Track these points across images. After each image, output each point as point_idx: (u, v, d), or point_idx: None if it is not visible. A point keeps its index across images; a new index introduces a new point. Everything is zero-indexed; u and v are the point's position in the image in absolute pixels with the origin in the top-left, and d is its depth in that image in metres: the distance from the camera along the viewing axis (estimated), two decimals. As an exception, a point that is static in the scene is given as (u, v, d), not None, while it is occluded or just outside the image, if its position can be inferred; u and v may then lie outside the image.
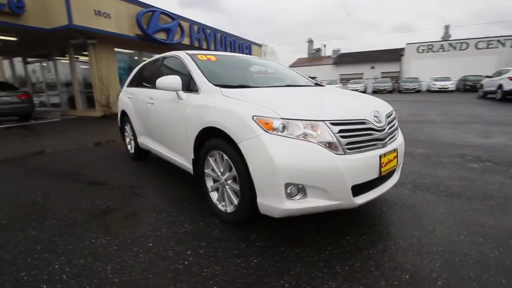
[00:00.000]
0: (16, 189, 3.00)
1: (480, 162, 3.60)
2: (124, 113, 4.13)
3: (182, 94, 2.48)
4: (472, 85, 20.47)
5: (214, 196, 2.26)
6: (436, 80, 22.32)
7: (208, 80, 2.33)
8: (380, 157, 1.86)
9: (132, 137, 4.00)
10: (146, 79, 3.63)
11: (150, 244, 1.88)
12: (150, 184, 3.04)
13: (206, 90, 2.28)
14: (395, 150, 2.03)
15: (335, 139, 1.70)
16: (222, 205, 2.18)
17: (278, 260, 1.68)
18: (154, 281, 1.53)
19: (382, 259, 1.67)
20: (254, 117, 1.74)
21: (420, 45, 28.21)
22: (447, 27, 38.88)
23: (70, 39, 8.74)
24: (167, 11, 10.62)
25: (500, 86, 12.88)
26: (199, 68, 2.51)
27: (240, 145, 1.77)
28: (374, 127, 1.91)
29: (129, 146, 4.25)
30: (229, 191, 2.06)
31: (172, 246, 1.86)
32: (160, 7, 10.33)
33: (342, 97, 2.31)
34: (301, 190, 1.68)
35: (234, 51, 15.21)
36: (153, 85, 3.17)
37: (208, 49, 13.18)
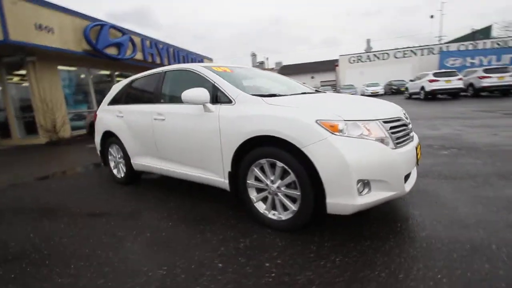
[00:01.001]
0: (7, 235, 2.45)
1: (447, 149, 4.29)
2: (108, 134, 3.74)
3: (211, 106, 2.41)
4: (397, 88, 23.90)
5: (260, 206, 2.23)
6: (368, 86, 25.44)
7: (242, 91, 2.33)
8: (416, 148, 2.13)
9: (121, 160, 3.63)
10: (142, 95, 3.37)
11: (220, 265, 1.76)
12: (164, 207, 2.81)
13: (244, 100, 2.27)
14: (418, 142, 2.33)
15: (388, 135, 1.89)
16: (272, 214, 2.16)
17: (357, 255, 1.76)
18: (254, 299, 1.45)
19: (440, 237, 1.88)
20: (318, 121, 1.82)
21: (351, 56, 31.95)
22: (368, 41, 45.04)
23: (4, 57, 7.47)
24: (117, 26, 9.95)
25: (422, 88, 15.44)
26: (225, 79, 2.48)
27: (304, 150, 1.83)
28: (406, 122, 2.18)
29: (115, 171, 3.84)
30: (283, 198, 2.07)
31: (245, 261, 1.78)
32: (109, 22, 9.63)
33: (369, 100, 2.54)
34: (366, 185, 1.81)
35: (188, 66, 14.97)
36: (157, 101, 3.00)
37: (162, 64, 12.69)
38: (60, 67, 8.93)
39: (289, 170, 1.96)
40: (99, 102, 10.43)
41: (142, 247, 2.07)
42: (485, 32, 31.39)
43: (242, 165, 2.24)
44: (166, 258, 1.90)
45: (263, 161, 2.10)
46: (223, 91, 2.40)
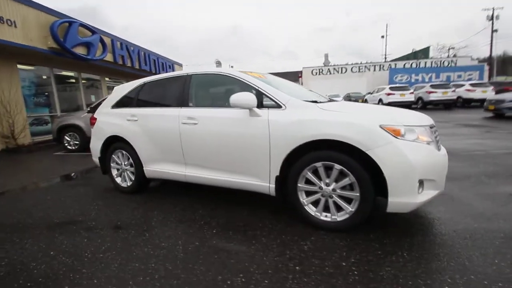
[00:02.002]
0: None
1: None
2: (112, 139, 3.45)
3: (259, 110, 2.41)
4: (355, 100, 25.95)
5: (311, 209, 2.28)
6: (330, 97, 27.07)
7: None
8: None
9: (128, 167, 3.37)
10: (162, 98, 3.19)
11: (298, 268, 1.77)
12: (196, 214, 2.69)
13: (296, 106, 2.32)
14: (440, 147, 2.63)
15: (433, 139, 2.11)
16: (325, 216, 2.23)
17: (420, 250, 1.91)
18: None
19: (475, 228, 2.14)
20: (382, 126, 1.97)
21: (313, 69, 33.89)
22: (326, 55, 48.21)
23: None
24: (87, 24, 9.17)
25: (380, 100, 17.08)
26: (270, 85, 2.51)
27: (370, 153, 1.95)
28: (435, 129, 2.45)
29: (118, 179, 3.54)
30: (339, 200, 2.16)
31: (319, 263, 1.81)
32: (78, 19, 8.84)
33: (400, 109, 2.72)
34: (421, 184, 1.99)
35: (159, 70, 14.36)
36: (184, 104, 2.89)
37: (132, 67, 12.00)
38: (20, 66, 7.89)
39: (348, 172, 2.06)
40: (63, 106, 9.45)
41: (198, 256, 1.97)
42: (424, 52, 35.95)
43: (293, 169, 2.28)
44: (234, 266, 1.83)
45: (318, 164, 2.17)
46: (270, 96, 2.43)
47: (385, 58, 38.71)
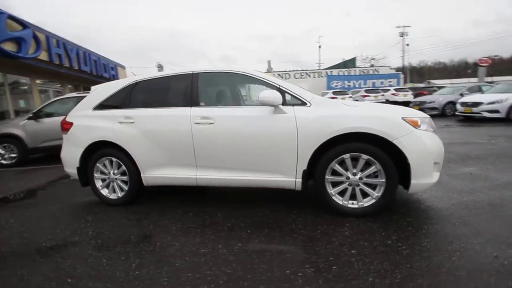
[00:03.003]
0: None
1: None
2: (98, 145, 3.03)
3: (284, 108, 2.45)
4: (300, 104, 27.77)
5: (338, 198, 2.43)
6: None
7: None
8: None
9: (119, 176, 3.01)
10: (164, 98, 2.95)
11: (353, 251, 1.88)
12: (215, 218, 2.59)
13: (321, 103, 2.45)
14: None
15: (434, 129, 2.49)
16: (352, 203, 2.41)
17: (440, 222, 2.23)
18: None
19: (467, 202, 2.58)
20: (404, 118, 2.23)
21: (259, 74, 35.07)
22: (269, 62, 50.28)
23: None
24: (17, 17, 7.70)
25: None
26: (291, 84, 2.58)
27: (396, 142, 2.19)
28: None
29: (104, 191, 3.12)
30: (365, 187, 2.36)
31: (369, 244, 1.96)
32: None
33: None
34: (433, 166, 2.32)
35: (101, 72, 12.93)
36: (193, 104, 2.75)
37: (71, 67, 10.53)
38: None
39: (375, 161, 2.28)
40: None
41: (251, 256, 1.91)
42: (352, 62, 40.72)
43: (321, 162, 2.40)
44: (294, 259, 1.85)
45: (346, 156, 2.34)
46: (293, 94, 2.51)
47: (319, 66, 42.49)
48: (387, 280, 1.57)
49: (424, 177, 2.24)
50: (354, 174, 2.36)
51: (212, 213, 2.72)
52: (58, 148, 6.13)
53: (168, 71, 3.04)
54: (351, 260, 1.78)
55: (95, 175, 3.14)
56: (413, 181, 2.24)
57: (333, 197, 2.43)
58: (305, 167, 2.44)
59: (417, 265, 1.68)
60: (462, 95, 11.59)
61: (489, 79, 30.95)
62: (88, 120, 3.13)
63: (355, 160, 2.35)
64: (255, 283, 1.62)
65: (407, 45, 36.53)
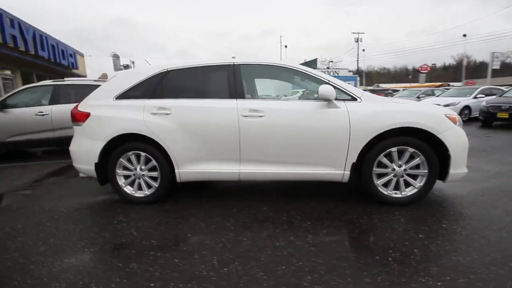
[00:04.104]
0: None
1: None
2: (123, 139, 2.76)
3: (337, 102, 2.53)
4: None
5: (383, 189, 2.60)
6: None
7: (357, 90, 2.63)
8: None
9: (147, 172, 2.80)
10: (203, 88, 2.79)
11: (420, 235, 2.05)
12: (268, 213, 2.57)
13: (371, 99, 2.58)
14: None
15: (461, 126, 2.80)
16: (395, 193, 2.60)
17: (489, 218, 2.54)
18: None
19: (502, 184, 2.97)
20: (446, 115, 2.48)
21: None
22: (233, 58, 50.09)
23: None
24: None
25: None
26: (338, 80, 2.65)
27: (440, 136, 2.42)
28: None
29: (128, 188, 2.87)
30: (409, 178, 2.57)
31: (428, 229, 2.15)
32: None
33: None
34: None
35: (59, 58, 11.47)
36: (237, 96, 2.69)
37: (26, 52, 9.14)
38: None
39: (419, 154, 2.50)
40: None
41: (330, 246, 1.97)
42: (314, 63, 42.69)
43: (370, 155, 2.54)
44: (375, 244, 1.95)
45: (393, 149, 2.51)
46: (345, 90, 2.59)
47: (284, 65, 43.72)
48: (468, 258, 1.76)
49: (459, 168, 2.52)
50: (400, 166, 2.56)
51: (257, 207, 2.68)
52: (29, 143, 5.42)
53: (202, 60, 2.88)
54: (424, 243, 1.95)
55: (118, 171, 2.85)
56: (451, 171, 2.51)
57: (379, 188, 2.60)
58: (354, 160, 2.56)
59: (483, 242, 1.92)
60: (418, 98, 13.05)
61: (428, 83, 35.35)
62: (110, 111, 2.82)
63: (400, 152, 2.55)
64: (357, 270, 1.68)
65: (363, 50, 39.48)
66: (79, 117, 2.89)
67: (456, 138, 2.48)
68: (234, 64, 2.78)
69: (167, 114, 2.71)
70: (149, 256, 1.92)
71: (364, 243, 2.01)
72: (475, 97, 10.03)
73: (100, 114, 2.83)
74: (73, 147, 2.97)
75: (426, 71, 37.73)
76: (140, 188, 2.89)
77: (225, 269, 1.73)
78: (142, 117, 2.73)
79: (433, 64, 49.65)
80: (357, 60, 43.92)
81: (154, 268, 1.77)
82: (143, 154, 2.79)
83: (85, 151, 2.86)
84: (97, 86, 5.59)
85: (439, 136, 2.45)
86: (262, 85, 3.97)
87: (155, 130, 2.71)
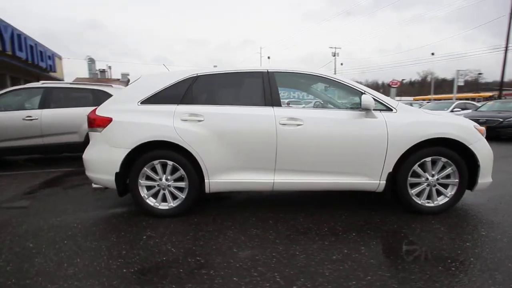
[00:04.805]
0: None
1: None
2: (151, 146, 2.57)
3: (376, 113, 2.55)
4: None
5: (417, 199, 2.64)
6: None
7: (390, 101, 2.68)
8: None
9: (172, 182, 2.62)
10: (237, 95, 2.70)
11: (467, 240, 2.08)
12: (307, 224, 2.50)
13: (405, 109, 2.63)
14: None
15: None
16: (427, 202, 2.65)
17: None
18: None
19: None
20: (475, 126, 2.59)
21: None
22: (215, 67, 50.00)
23: None
24: None
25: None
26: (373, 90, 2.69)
27: (471, 147, 2.52)
28: None
29: (151, 200, 2.66)
30: (441, 188, 2.63)
31: (466, 237, 2.19)
32: None
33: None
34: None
35: (37, 60, 10.67)
36: (273, 104, 2.64)
37: (3, 52, 8.39)
38: None
39: (451, 164, 2.57)
40: None
41: (390, 257, 1.95)
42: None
43: (405, 165, 2.57)
44: (429, 254, 1.95)
45: (428, 159, 2.57)
46: (381, 100, 2.62)
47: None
48: (524, 265, 1.81)
49: (486, 178, 2.64)
50: (433, 176, 2.62)
51: (292, 218, 2.60)
52: (13, 150, 4.89)
53: (232, 67, 2.79)
54: (475, 251, 1.98)
55: (141, 181, 2.63)
56: (480, 181, 2.61)
57: (413, 197, 2.64)
58: (390, 170, 2.58)
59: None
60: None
61: (397, 98, 37.70)
62: (136, 116, 2.62)
63: (433, 163, 2.61)
64: (428, 282, 1.64)
65: (342, 64, 41.27)
66: (98, 123, 2.65)
67: (484, 149, 2.60)
68: (268, 72, 2.73)
69: (199, 121, 2.57)
70: (202, 275, 1.75)
71: (419, 254, 2.00)
72: (451, 111, 10.81)
73: (124, 120, 2.61)
74: (89, 155, 2.71)
75: (396, 86, 40.17)
76: (163, 200, 2.69)
77: (294, 287, 1.62)
78: (172, 123, 2.57)
79: (402, 79, 53.21)
80: (335, 74, 45.70)
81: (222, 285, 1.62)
82: (170, 163, 2.61)
83: (105, 159, 2.62)
84: (93, 90, 5.32)
85: (470, 146, 2.55)
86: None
87: (186, 137, 2.55)
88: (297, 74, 2.82)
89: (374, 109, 2.60)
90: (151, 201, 2.67)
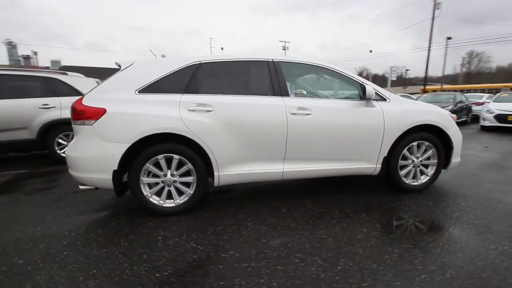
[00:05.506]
0: None
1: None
2: (153, 139, 2.35)
3: (375, 102, 2.75)
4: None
5: (405, 179, 2.96)
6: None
7: (383, 91, 2.92)
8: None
9: (178, 178, 2.46)
10: (242, 84, 2.61)
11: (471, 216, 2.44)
12: (319, 209, 2.62)
13: (397, 99, 2.89)
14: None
15: None
16: (413, 182, 3.00)
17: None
18: None
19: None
20: (449, 114, 2.99)
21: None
22: (163, 56, 46.89)
23: None
24: None
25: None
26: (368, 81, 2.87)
27: (447, 131, 2.92)
28: None
29: (154, 198, 2.46)
30: (424, 169, 3.01)
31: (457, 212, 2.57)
32: None
33: None
34: (453, 150, 3.23)
35: None
36: (281, 93, 2.66)
37: None
38: None
39: (432, 147, 2.95)
40: None
41: (426, 238, 2.15)
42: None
43: (397, 149, 2.86)
44: (449, 230, 2.22)
45: (414, 143, 2.90)
46: (377, 91, 2.82)
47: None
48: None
49: (457, 158, 3.10)
50: (418, 158, 2.97)
51: (302, 205, 2.68)
52: None
53: (235, 55, 2.69)
54: (464, 219, 2.34)
55: (142, 178, 2.40)
56: (453, 160, 3.06)
57: (403, 178, 2.95)
58: (385, 154, 2.84)
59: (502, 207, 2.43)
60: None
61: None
62: (133, 106, 2.35)
63: (418, 146, 2.96)
64: (444, 246, 1.89)
65: (293, 58, 42.64)
66: (88, 114, 2.30)
67: (457, 133, 3.04)
68: (273, 61, 2.71)
69: (208, 111, 2.44)
70: (245, 268, 1.71)
71: (425, 225, 2.27)
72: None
73: (121, 111, 2.32)
74: (75, 152, 2.35)
75: (339, 80, 43.58)
76: (169, 197, 2.50)
77: (339, 267, 1.70)
78: (178, 114, 2.38)
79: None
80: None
81: (265, 280, 1.60)
82: (176, 157, 2.42)
83: (98, 156, 2.31)
84: (45, 78, 4.53)
85: (447, 131, 2.96)
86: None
87: (195, 129, 2.39)
88: (303, 64, 2.87)
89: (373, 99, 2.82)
90: (154, 200, 2.46)
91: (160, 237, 2.11)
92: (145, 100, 2.40)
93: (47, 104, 4.44)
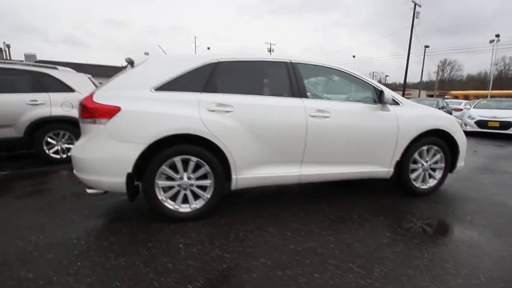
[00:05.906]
0: None
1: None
2: (171, 140, 2.22)
3: (389, 106, 2.77)
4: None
5: (415, 182, 3.01)
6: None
7: (396, 96, 2.96)
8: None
9: (195, 181, 2.35)
10: (263, 85, 2.52)
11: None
12: (337, 213, 2.60)
13: (409, 104, 2.92)
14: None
15: None
16: (423, 185, 3.06)
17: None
18: None
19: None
20: (456, 120, 3.08)
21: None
22: (147, 53, 45.53)
23: None
24: None
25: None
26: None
27: (454, 135, 3.00)
28: None
29: (169, 203, 2.33)
30: (432, 172, 3.07)
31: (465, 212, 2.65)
32: None
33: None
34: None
35: None
36: (300, 95, 2.62)
37: None
38: None
39: (440, 151, 3.03)
40: None
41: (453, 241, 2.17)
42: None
43: (408, 153, 2.90)
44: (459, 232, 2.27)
45: (424, 147, 2.96)
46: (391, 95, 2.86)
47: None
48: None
49: (462, 161, 3.21)
50: (427, 162, 3.04)
51: (319, 209, 2.65)
52: None
53: (252, 54, 2.61)
54: (476, 222, 2.41)
55: (158, 182, 2.26)
56: (459, 164, 3.16)
57: (414, 182, 3.00)
58: (398, 158, 2.88)
59: (503, 209, 2.53)
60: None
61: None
62: (150, 105, 2.21)
63: (428, 150, 3.02)
64: (462, 245, 1.92)
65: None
66: (101, 113, 2.13)
67: (462, 137, 3.14)
68: (291, 62, 2.66)
69: (228, 111, 2.34)
70: (281, 277, 1.64)
71: (443, 228, 2.31)
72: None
73: (137, 109, 2.17)
74: (85, 153, 2.17)
75: (323, 83, 44.58)
76: (184, 201, 2.37)
77: (375, 274, 1.68)
78: (198, 114, 2.26)
79: (328, 77, 59.30)
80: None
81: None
82: (194, 159, 2.31)
83: (111, 158, 2.15)
84: (34, 72, 4.20)
85: (454, 136, 3.05)
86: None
87: (215, 130, 2.29)
88: (320, 67, 2.83)
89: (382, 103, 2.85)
90: (169, 204, 2.33)
91: (181, 245, 1.99)
92: (163, 99, 2.26)
93: (35, 100, 4.12)
